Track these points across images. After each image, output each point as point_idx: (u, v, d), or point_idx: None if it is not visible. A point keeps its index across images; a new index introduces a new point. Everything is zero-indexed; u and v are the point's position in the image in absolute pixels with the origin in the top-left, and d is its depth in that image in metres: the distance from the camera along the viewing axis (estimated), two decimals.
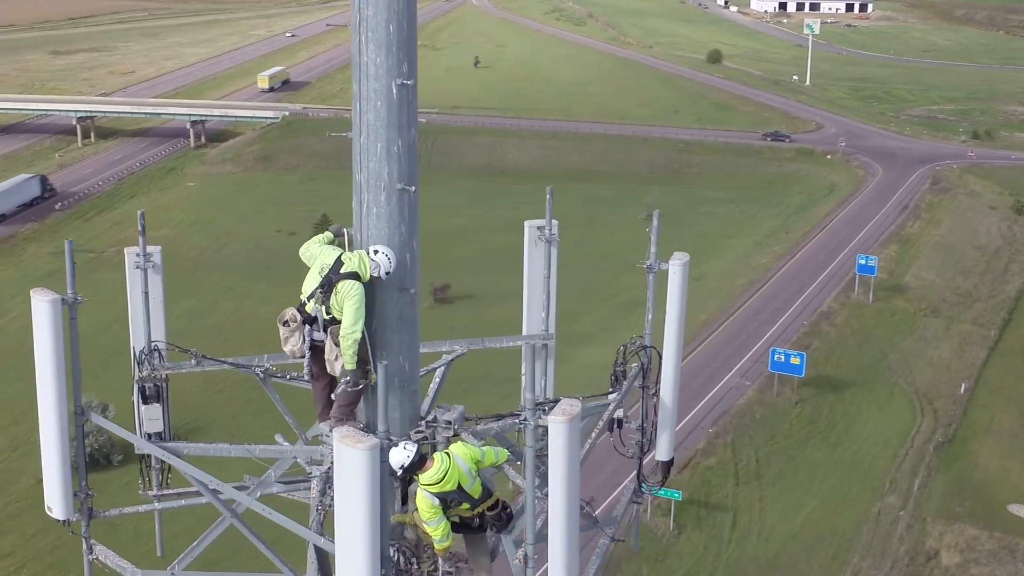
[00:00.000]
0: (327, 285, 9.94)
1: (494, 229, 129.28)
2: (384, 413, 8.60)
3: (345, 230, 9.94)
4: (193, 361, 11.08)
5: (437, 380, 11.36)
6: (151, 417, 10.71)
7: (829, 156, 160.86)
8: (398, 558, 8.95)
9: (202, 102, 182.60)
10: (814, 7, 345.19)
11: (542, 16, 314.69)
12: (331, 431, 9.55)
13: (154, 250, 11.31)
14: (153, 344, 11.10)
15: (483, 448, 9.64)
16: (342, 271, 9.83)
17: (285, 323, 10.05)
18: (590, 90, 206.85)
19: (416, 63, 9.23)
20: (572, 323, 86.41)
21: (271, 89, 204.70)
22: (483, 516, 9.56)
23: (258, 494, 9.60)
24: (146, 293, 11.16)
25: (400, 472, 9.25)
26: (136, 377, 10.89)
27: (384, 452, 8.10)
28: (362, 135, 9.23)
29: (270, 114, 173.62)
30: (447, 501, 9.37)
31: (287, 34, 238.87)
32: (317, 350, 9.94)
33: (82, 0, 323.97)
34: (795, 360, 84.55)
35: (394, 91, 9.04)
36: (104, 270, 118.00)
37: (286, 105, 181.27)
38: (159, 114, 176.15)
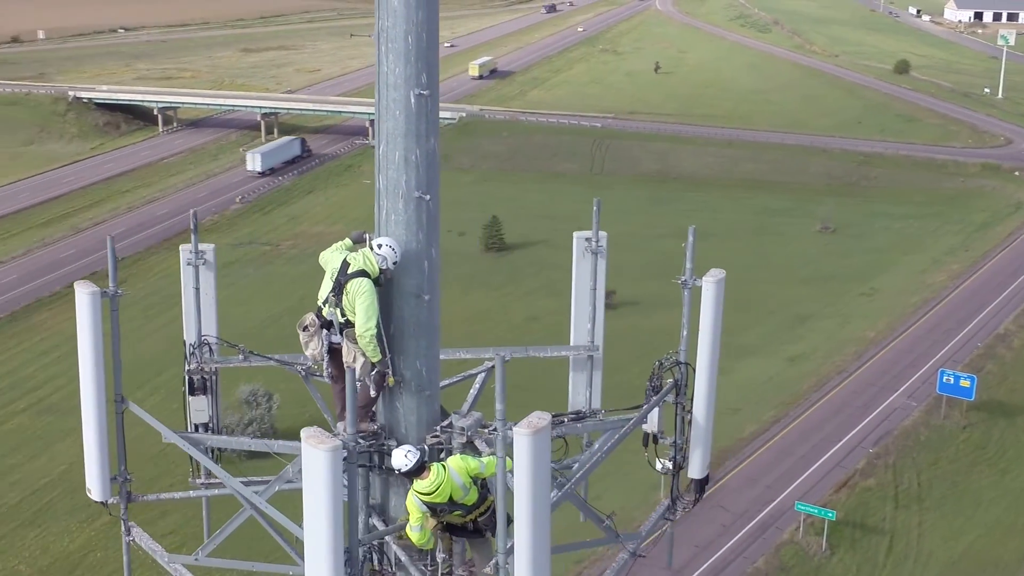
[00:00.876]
0: (338, 288, 10.17)
1: (664, 236, 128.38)
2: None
3: (367, 235, 10.12)
4: (241, 356, 11.43)
5: (477, 386, 11.46)
6: (197, 408, 11.12)
7: (1017, 173, 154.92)
8: (372, 557, 9.03)
9: None
10: (1012, 17, 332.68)
11: (726, 22, 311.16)
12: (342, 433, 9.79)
13: (207, 248, 11.71)
14: (203, 338, 11.51)
15: (485, 459, 9.68)
16: (349, 271, 10.07)
17: (305, 328, 10.33)
18: (771, 98, 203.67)
19: (437, 74, 9.35)
20: (735, 336, 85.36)
21: (481, 77, 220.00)
22: (475, 522, 9.65)
23: (276, 488, 9.85)
24: (197, 289, 11.58)
25: (399, 474, 9.45)
26: (185, 369, 11.30)
27: (352, 454, 8.24)
28: (382, 143, 9.43)
29: (447, 114, 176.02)
30: (435, 510, 9.48)
31: (446, 44, 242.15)
32: (336, 353, 10.16)
33: (274, 0, 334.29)
34: (965, 383, 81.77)
35: (412, 101, 9.19)
36: (279, 263, 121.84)
37: (463, 106, 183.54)
38: (339, 112, 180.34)
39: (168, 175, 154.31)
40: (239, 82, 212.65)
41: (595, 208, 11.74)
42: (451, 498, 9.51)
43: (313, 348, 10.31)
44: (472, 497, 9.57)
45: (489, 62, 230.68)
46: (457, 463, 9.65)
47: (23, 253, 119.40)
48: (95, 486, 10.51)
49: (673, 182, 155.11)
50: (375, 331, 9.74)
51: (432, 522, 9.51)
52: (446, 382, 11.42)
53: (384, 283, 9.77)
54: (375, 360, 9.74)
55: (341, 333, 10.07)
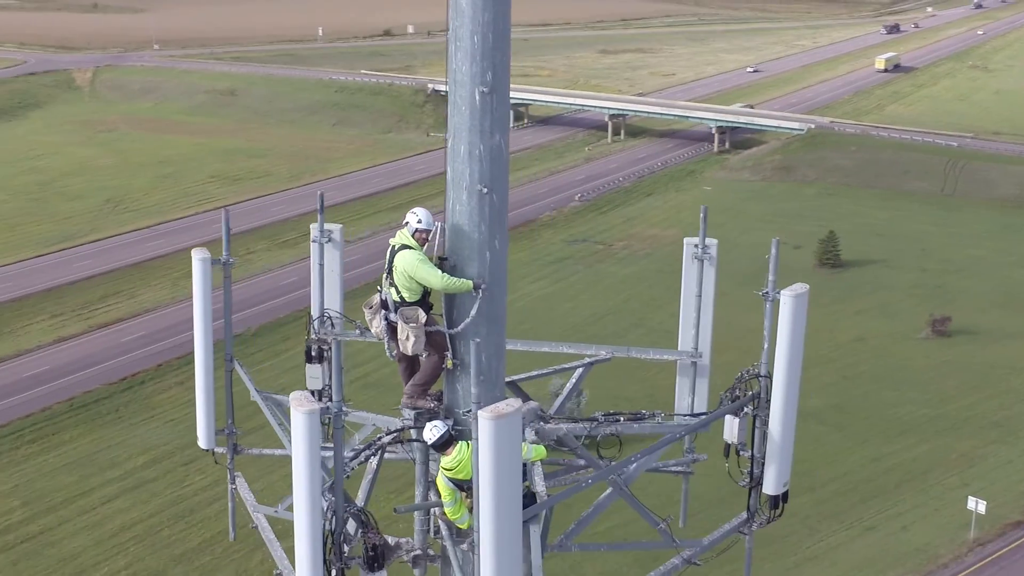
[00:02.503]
0: (389, 267, 10.75)
1: (1015, 264, 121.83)
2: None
3: (440, 224, 10.60)
4: (357, 331, 12.18)
5: (573, 380, 11.71)
6: (312, 375, 11.99)
7: None
8: (365, 519, 9.32)
9: (730, 108, 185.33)
10: None
11: None
12: (402, 408, 10.37)
13: (335, 227, 12.50)
14: (325, 311, 12.35)
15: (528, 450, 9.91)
16: (395, 250, 10.74)
17: (369, 307, 10.93)
18: None
19: (505, 74, 9.70)
20: None
21: (886, 70, 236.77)
22: None
23: (345, 453, 10.42)
24: (322, 265, 12.42)
25: (430, 447, 9.92)
26: (306, 339, 12.16)
27: (336, 418, 8.72)
28: (451, 137, 9.89)
29: (795, 125, 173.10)
30: (462, 487, 9.80)
31: (748, 69, 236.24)
32: (395, 331, 10.68)
33: (635, 2, 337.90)
34: None
35: (477, 98, 9.59)
36: (609, 262, 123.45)
37: (812, 118, 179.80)
38: (687, 117, 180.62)
39: (513, 169, 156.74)
40: (593, 83, 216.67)
41: (702, 215, 11.76)
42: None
43: (375, 327, 10.90)
44: None
45: (894, 57, 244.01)
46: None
47: (369, 235, 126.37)
48: (202, 435, 11.64)
49: None
50: (450, 280, 10.14)
51: (468, 501, 9.84)
52: (540, 372, 11.77)
53: (448, 269, 10.22)
54: (468, 289, 10.12)
55: (395, 311, 10.62)
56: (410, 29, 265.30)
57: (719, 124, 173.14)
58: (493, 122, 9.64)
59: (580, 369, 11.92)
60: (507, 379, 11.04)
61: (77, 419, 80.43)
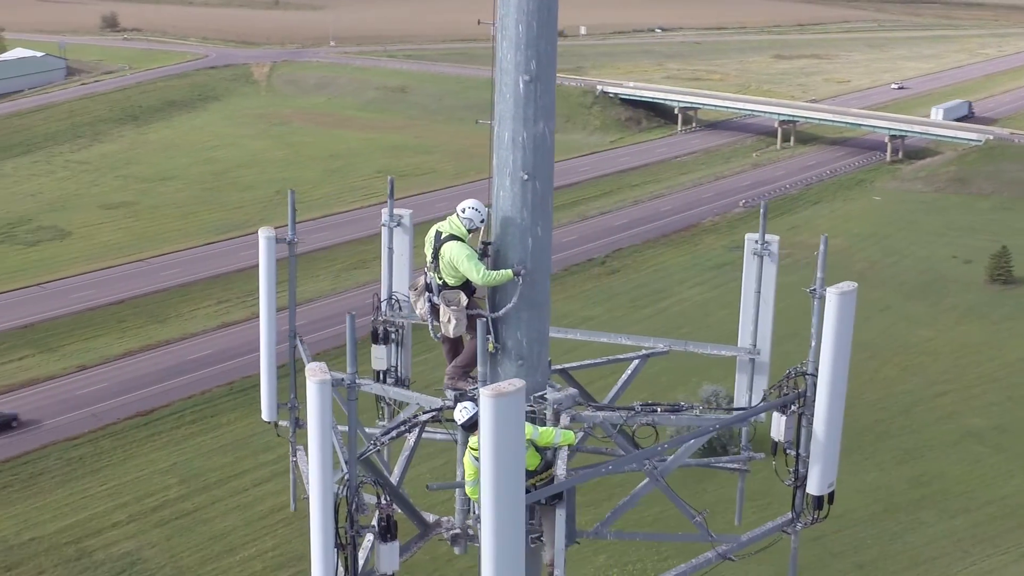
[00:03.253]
0: (435, 254, 11.04)
1: None
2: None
3: (487, 209, 10.79)
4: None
5: (629, 372, 11.75)
6: (377, 356, 12.33)
7: None
8: (380, 495, 9.53)
9: (905, 117, 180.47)
10: None
11: None
12: (444, 388, 10.61)
13: (404, 212, 12.78)
14: (393, 294, 12.67)
15: (542, 428, 10.02)
16: (442, 238, 11.07)
17: (414, 289, 11.24)
18: None
19: (549, 63, 9.85)
20: None
21: None
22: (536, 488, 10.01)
23: (392, 432, 10.70)
24: (391, 249, 12.72)
25: (459, 426, 10.14)
26: (372, 320, 12.51)
27: (350, 389, 8.98)
28: (496, 124, 10.08)
29: (973, 136, 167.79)
30: None
31: (893, 86, 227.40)
32: (439, 313, 10.97)
33: (814, 7, 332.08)
34: None
35: (520, 86, 9.76)
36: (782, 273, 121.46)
37: (992, 129, 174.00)
38: (860, 125, 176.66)
39: (678, 173, 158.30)
40: (765, 88, 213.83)
41: (762, 210, 11.66)
42: None
43: (420, 308, 11.26)
44: (529, 461, 9.96)
45: None
46: None
47: None
48: (264, 407, 12.08)
49: None
50: (489, 274, 10.46)
51: None
52: (593, 361, 11.84)
53: (492, 254, 10.41)
54: (507, 280, 10.39)
55: (438, 294, 10.88)
56: (582, 30, 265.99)
57: (892, 133, 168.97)
58: (536, 110, 9.81)
59: (636, 361, 11.95)
60: (559, 367, 11.18)
61: (235, 403, 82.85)
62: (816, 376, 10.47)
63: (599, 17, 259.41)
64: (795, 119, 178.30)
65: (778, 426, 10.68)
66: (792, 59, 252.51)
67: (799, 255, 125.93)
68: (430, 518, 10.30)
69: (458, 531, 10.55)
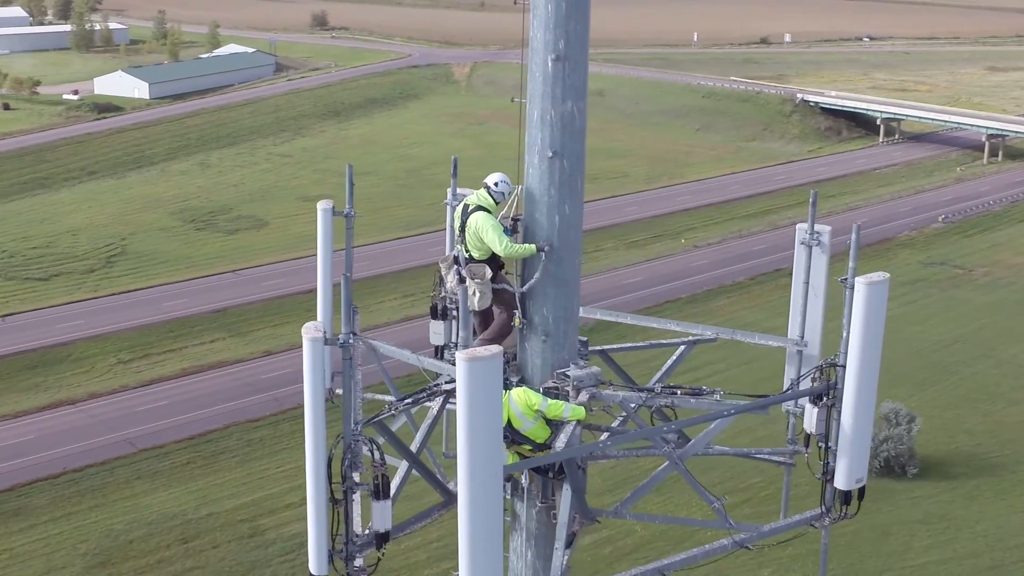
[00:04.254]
0: (462, 227, 11.30)
1: None
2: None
3: (519, 186, 10.92)
4: None
5: (674, 357, 11.72)
6: (435, 331, 12.58)
7: None
8: (372, 449, 9.72)
9: None
10: None
11: None
12: None
13: (466, 191, 12.79)
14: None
15: (552, 401, 10.10)
16: (469, 210, 11.29)
17: (445, 263, 11.48)
18: None
19: (579, 43, 9.93)
20: None
21: None
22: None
23: (425, 401, 10.95)
24: (453, 228, 12.83)
25: None
26: (431, 295, 12.77)
27: (345, 348, 9.23)
28: (526, 102, 10.22)
29: None
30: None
31: None
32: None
33: None
34: None
35: (549, 65, 9.87)
36: (967, 288, 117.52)
37: None
38: None
39: (876, 186, 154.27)
40: (975, 100, 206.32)
41: (812, 199, 11.48)
42: (511, 424, 10.17)
43: (450, 280, 11.51)
44: (538, 432, 10.14)
45: None
46: (519, 394, 10.34)
47: (718, 241, 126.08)
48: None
49: None
50: (512, 246, 10.72)
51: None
52: (634, 344, 11.86)
53: (520, 230, 10.57)
54: (530, 253, 10.59)
55: (464, 267, 11.11)
56: (787, 38, 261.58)
57: None
58: (565, 89, 9.93)
59: (682, 347, 11.92)
60: (597, 348, 11.27)
61: None
62: (844, 368, 10.27)
63: (805, 25, 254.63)
64: (1005, 133, 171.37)
65: (811, 418, 10.53)
66: (1007, 71, 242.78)
67: (999, 273, 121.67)
68: (452, 487, 10.50)
69: None
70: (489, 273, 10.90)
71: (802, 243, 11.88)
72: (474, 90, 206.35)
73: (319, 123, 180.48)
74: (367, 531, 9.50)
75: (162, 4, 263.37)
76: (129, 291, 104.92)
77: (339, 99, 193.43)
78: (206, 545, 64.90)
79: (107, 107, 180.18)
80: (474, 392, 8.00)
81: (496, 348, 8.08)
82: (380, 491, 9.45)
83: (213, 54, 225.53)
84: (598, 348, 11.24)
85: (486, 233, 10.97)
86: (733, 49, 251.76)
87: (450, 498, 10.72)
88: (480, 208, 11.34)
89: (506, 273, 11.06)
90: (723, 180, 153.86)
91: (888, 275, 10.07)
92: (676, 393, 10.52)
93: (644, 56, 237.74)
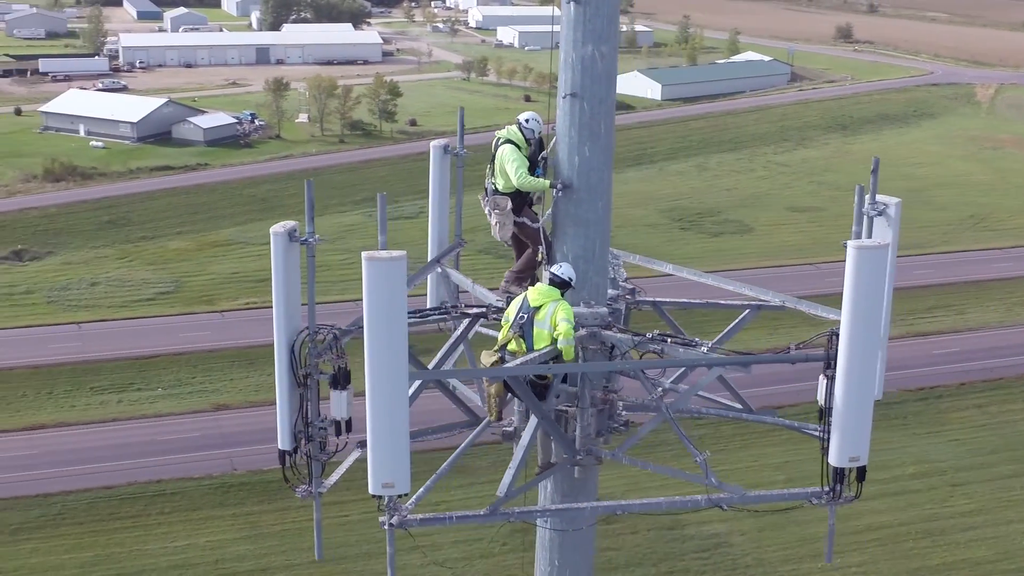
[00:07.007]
0: (492, 159, 11.80)
1: None
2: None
3: (550, 125, 11.28)
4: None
5: (738, 320, 11.53)
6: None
7: None
8: (335, 343, 10.15)
9: None
10: None
11: None
12: (500, 291, 11.33)
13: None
14: None
15: (565, 328, 10.51)
16: (499, 142, 11.75)
17: (483, 197, 12.08)
18: None
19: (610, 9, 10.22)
20: None
21: None
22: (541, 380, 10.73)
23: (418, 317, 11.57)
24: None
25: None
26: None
27: (308, 247, 10.03)
28: (556, 48, 10.60)
29: None
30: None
31: None
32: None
33: None
34: None
35: (571, 9, 10.27)
36: None
37: None
38: None
39: None
40: None
41: (873, 166, 10.83)
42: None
43: (486, 212, 11.92)
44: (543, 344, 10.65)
45: None
46: (563, 306, 10.70)
47: None
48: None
49: None
50: (526, 177, 11.23)
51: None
52: (693, 301, 11.75)
53: (544, 165, 11.01)
54: (542, 188, 11.22)
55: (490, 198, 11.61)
56: None
57: None
58: (585, 33, 10.27)
59: (747, 311, 11.66)
60: (653, 299, 11.40)
61: None
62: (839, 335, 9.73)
63: None
64: None
65: (821, 389, 10.06)
66: None
67: None
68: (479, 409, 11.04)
69: (510, 429, 11.20)
70: (510, 205, 11.43)
71: (865, 214, 11.23)
72: (996, 113, 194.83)
73: (824, 135, 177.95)
74: (325, 418, 10.19)
75: (689, 9, 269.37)
76: None
77: (849, 112, 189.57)
78: (625, 530, 66.45)
79: (619, 105, 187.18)
80: (373, 292, 8.66)
81: (400, 253, 8.67)
82: (340, 381, 10.13)
83: (729, 60, 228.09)
84: (649, 299, 11.34)
85: (508, 163, 11.48)
86: None
87: (474, 419, 11.30)
88: (509, 141, 11.79)
89: (534, 210, 11.52)
90: None
91: (888, 242, 9.41)
92: (666, 341, 10.45)
93: None
